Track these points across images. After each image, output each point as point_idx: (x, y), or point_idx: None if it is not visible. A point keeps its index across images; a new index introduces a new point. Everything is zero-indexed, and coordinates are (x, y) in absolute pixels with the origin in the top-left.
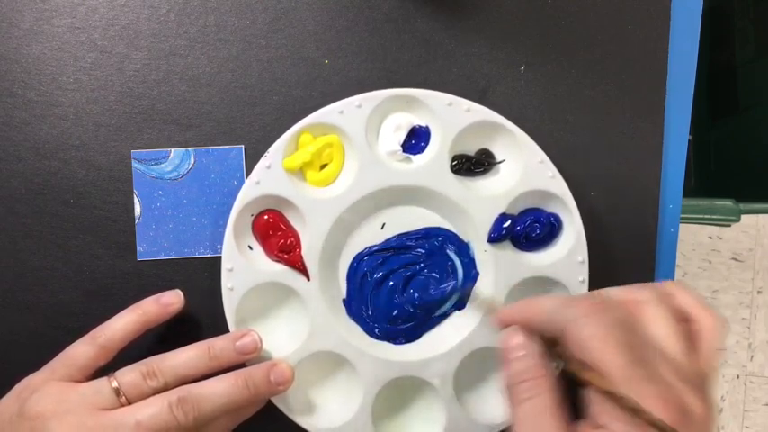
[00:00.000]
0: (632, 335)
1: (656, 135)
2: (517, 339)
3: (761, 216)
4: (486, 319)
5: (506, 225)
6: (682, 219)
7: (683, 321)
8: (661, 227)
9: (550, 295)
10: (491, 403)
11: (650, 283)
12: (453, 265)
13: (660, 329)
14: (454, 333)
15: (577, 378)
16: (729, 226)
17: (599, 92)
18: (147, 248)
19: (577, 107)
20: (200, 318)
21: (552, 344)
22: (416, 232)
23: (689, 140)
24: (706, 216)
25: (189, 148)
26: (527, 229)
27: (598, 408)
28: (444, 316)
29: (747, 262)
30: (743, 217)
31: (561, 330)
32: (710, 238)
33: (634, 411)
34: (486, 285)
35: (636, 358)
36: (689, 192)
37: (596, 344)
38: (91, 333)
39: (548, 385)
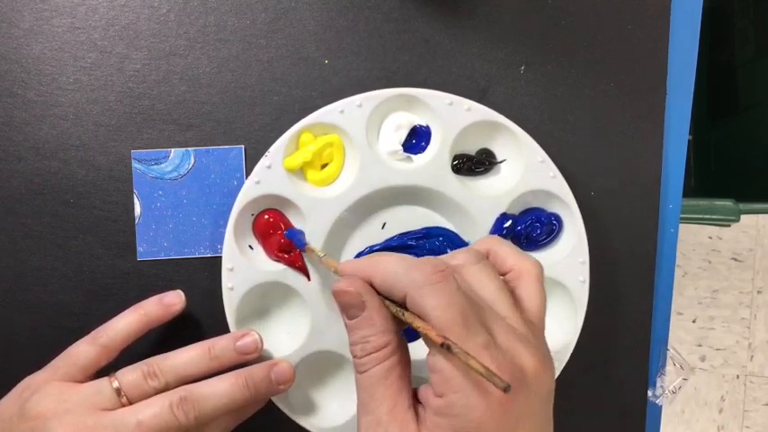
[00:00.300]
0: (469, 302)
1: (656, 135)
2: (358, 298)
3: (761, 216)
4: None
5: (507, 225)
6: (682, 219)
7: (504, 275)
8: (661, 227)
9: (390, 253)
10: None
11: (473, 245)
12: None
13: (487, 290)
14: None
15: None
16: (729, 226)
17: (599, 92)
18: (147, 248)
19: (577, 107)
20: (201, 318)
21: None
22: (417, 232)
23: (689, 140)
24: (706, 216)
25: (189, 148)
26: (528, 228)
27: (436, 377)
28: None
29: (747, 262)
30: (743, 217)
31: (404, 295)
32: (710, 238)
33: (464, 361)
34: None
35: (473, 326)
36: (689, 192)
37: (438, 313)
38: (92, 333)
39: (389, 351)
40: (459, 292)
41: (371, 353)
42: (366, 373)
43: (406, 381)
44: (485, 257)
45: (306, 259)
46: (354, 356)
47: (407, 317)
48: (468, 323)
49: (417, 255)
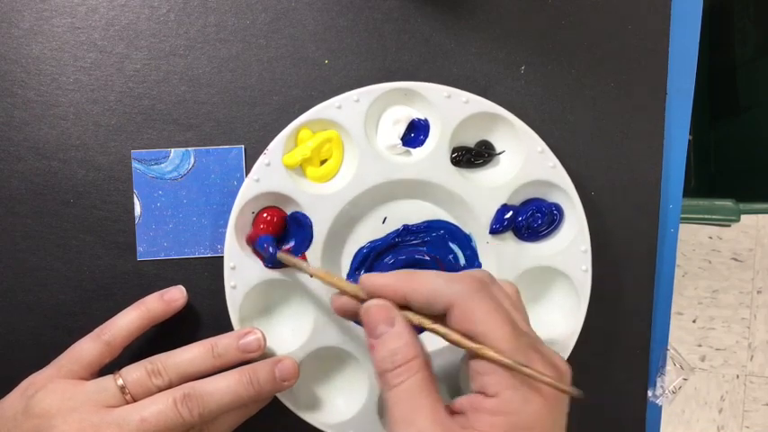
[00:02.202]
0: (506, 310)
1: (656, 135)
2: (389, 314)
3: (761, 216)
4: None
5: (508, 216)
6: (682, 219)
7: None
8: (661, 227)
9: (426, 271)
10: None
11: (471, 270)
12: (456, 257)
13: (506, 303)
14: None
15: (464, 348)
16: (729, 226)
17: (599, 92)
18: (147, 248)
19: (577, 107)
20: (201, 318)
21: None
22: (418, 225)
23: (689, 140)
24: (706, 216)
25: (189, 148)
26: (529, 219)
27: (488, 378)
28: None
29: (747, 262)
30: (743, 217)
31: (448, 306)
32: (710, 238)
33: (529, 377)
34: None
35: (517, 330)
36: (689, 192)
37: (487, 319)
38: (96, 330)
39: (421, 364)
40: (496, 298)
41: (402, 364)
42: (401, 386)
43: (438, 392)
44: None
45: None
46: (385, 371)
47: (438, 328)
48: (514, 325)
49: (418, 248)
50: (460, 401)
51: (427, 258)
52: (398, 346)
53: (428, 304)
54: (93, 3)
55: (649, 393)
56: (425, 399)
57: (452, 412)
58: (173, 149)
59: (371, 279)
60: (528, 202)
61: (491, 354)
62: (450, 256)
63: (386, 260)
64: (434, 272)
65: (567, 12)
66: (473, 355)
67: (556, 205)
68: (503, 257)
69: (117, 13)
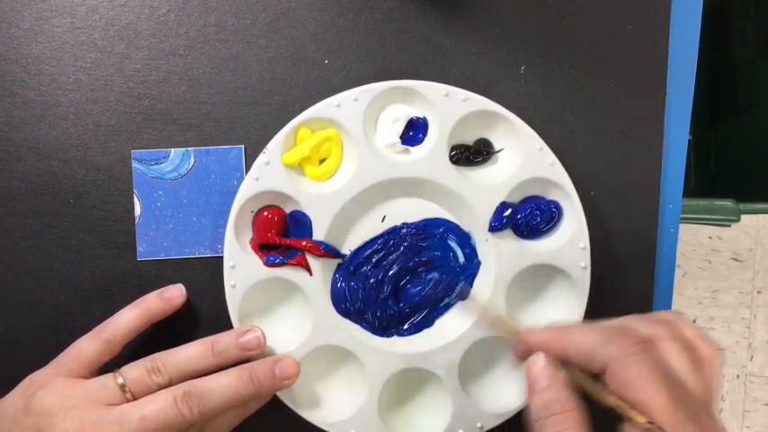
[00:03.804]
0: (669, 375)
1: (656, 135)
2: (546, 369)
3: (761, 216)
4: (480, 322)
5: (507, 214)
6: (682, 219)
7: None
8: (661, 227)
9: (579, 324)
10: (496, 392)
11: (658, 315)
12: (455, 255)
13: (680, 365)
14: (458, 323)
15: (618, 413)
16: (729, 226)
17: (599, 92)
18: (147, 248)
19: (577, 107)
20: (201, 318)
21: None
22: (417, 224)
23: (689, 141)
24: (706, 216)
25: (189, 148)
26: (528, 217)
27: None
28: (448, 307)
29: (747, 262)
30: (743, 217)
31: (603, 367)
32: (710, 238)
33: None
34: (488, 275)
35: (676, 399)
36: (689, 192)
37: (642, 385)
38: (95, 329)
39: (577, 419)
40: (657, 364)
41: (557, 414)
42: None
43: None
44: (680, 334)
45: (307, 257)
46: (539, 417)
47: (596, 392)
48: (672, 395)
49: (418, 246)
50: None
51: (425, 259)
52: (555, 398)
53: (584, 363)
54: (93, 3)
55: None
56: None
57: None
58: (173, 149)
59: (529, 336)
60: (527, 200)
61: (641, 420)
62: (450, 254)
63: (383, 258)
64: (591, 327)
65: (567, 12)
66: (627, 419)
67: (554, 203)
68: (502, 255)
69: (117, 13)
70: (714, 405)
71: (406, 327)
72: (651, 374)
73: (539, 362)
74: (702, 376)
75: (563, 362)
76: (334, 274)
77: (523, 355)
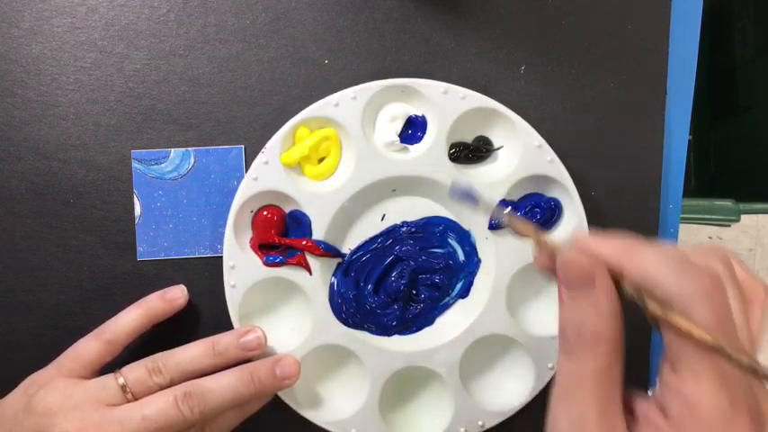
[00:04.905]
0: (733, 322)
1: (656, 135)
2: (591, 272)
3: (761, 216)
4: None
5: (506, 211)
6: (682, 219)
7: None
8: (661, 227)
9: (640, 242)
10: (497, 390)
11: (713, 250)
12: (455, 253)
13: (733, 304)
14: (458, 322)
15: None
16: (729, 226)
17: (599, 92)
18: (147, 248)
19: (577, 107)
20: (202, 318)
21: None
22: (417, 222)
23: (689, 140)
24: (706, 216)
25: (189, 148)
26: (527, 214)
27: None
28: (448, 306)
29: (747, 262)
30: (743, 217)
31: (670, 298)
32: (710, 238)
33: (752, 371)
34: (488, 273)
35: (733, 347)
36: (689, 192)
37: (712, 327)
38: (97, 330)
39: (609, 351)
40: (728, 307)
41: (586, 340)
42: (576, 363)
43: (620, 383)
44: (734, 275)
45: (307, 256)
46: (565, 339)
47: (657, 309)
48: (731, 341)
49: (427, 252)
50: (642, 407)
51: (423, 258)
52: (589, 316)
53: (645, 287)
54: (93, 3)
55: (649, 393)
56: (602, 385)
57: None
58: (173, 149)
59: (586, 243)
60: (526, 197)
61: (704, 335)
62: (450, 252)
63: (383, 256)
64: (662, 250)
65: (567, 12)
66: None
67: (554, 200)
68: (502, 253)
69: (117, 13)
70: (760, 345)
71: (406, 326)
72: (719, 318)
73: (582, 260)
74: (751, 317)
75: (615, 278)
76: (330, 281)
77: (548, 265)
